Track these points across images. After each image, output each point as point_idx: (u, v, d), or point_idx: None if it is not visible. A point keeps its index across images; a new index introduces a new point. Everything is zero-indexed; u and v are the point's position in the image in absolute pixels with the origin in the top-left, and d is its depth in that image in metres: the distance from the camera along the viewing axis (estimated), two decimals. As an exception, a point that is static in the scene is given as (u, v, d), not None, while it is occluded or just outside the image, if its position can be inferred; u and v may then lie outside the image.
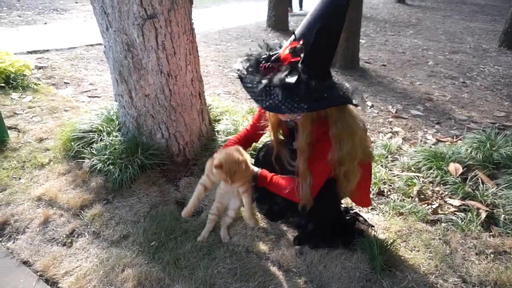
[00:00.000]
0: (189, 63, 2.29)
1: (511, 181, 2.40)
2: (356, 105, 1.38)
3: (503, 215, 2.15)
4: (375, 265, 1.69)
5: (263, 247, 1.82)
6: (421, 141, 3.30)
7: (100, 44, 6.28)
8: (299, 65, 1.29)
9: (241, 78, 1.43)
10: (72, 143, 2.44)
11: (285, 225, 2.00)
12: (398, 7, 13.65)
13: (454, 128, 3.78)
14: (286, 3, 8.08)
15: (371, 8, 13.01)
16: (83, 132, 2.44)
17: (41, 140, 2.77)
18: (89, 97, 3.93)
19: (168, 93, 2.25)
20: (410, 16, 11.97)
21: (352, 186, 1.60)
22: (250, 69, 1.40)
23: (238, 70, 1.43)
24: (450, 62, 6.68)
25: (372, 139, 3.31)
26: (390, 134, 3.48)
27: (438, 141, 3.34)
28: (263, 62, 1.37)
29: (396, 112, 4.14)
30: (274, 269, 1.70)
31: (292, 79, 1.27)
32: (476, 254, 1.85)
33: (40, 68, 4.74)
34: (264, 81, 1.32)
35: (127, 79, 2.20)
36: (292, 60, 1.31)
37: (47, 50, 5.71)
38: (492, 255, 1.83)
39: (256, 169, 1.73)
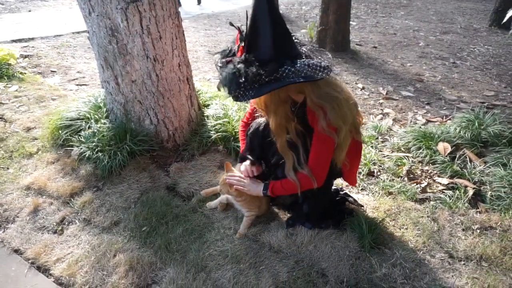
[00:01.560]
0: (175, 48, 2.26)
1: (498, 159, 2.42)
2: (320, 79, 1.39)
3: (489, 192, 2.18)
4: (364, 244, 1.72)
5: (254, 229, 1.84)
6: (411, 122, 3.32)
7: (87, 31, 6.18)
8: (245, 55, 1.36)
9: (218, 71, 1.49)
10: (60, 131, 2.41)
11: (276, 208, 2.01)
12: (389, -12, 13.50)
13: (444, 108, 3.80)
14: (276, -15, 7.91)
15: (362, -10, 12.86)
16: (70, 120, 2.41)
17: (28, 129, 2.74)
18: (77, 85, 3.87)
19: (155, 79, 2.22)
20: (401, -4, 11.87)
21: (344, 153, 1.61)
22: (223, 62, 1.45)
23: (216, 64, 1.49)
24: (441, 43, 6.66)
25: (363, 120, 3.31)
26: (380, 116, 3.49)
27: (428, 121, 3.36)
28: (230, 55, 1.45)
29: (387, 93, 4.14)
30: (265, 250, 1.73)
31: (226, 71, 1.37)
32: (463, 230, 1.89)
33: (25, 57, 4.64)
34: (225, 75, 1.39)
35: (112, 65, 2.16)
36: (240, 53, 1.39)
37: (32, 38, 5.58)
38: (478, 231, 1.87)
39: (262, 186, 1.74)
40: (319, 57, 1.47)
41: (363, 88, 4.28)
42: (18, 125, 2.80)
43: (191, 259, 1.65)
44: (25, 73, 3.95)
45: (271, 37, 1.36)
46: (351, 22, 7.81)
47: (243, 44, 1.39)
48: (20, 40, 5.40)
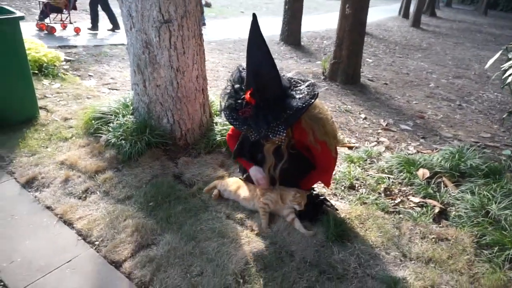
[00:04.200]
0: (195, 62, 2.72)
1: (470, 188, 2.71)
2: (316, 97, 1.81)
3: (453, 212, 2.47)
4: (329, 235, 2.04)
5: (240, 215, 2.20)
6: (401, 150, 3.63)
7: (123, 44, 6.85)
8: (260, 103, 1.75)
9: (234, 125, 1.87)
10: (93, 121, 2.88)
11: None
12: (412, 31, 13.98)
13: (438, 143, 4.08)
14: (300, 20, 8.52)
15: (385, 30, 13.39)
16: (102, 114, 2.89)
17: (66, 119, 3.23)
18: (109, 89, 4.41)
19: (176, 86, 2.67)
20: (422, 40, 12.30)
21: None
22: (234, 117, 1.84)
23: (228, 119, 1.87)
24: (451, 86, 6.96)
25: (357, 144, 3.66)
26: (375, 143, 3.81)
27: (418, 152, 3.66)
28: (239, 108, 1.81)
29: (386, 125, 4.47)
30: (246, 231, 2.07)
31: (255, 120, 1.76)
32: (421, 238, 2.18)
33: (68, 61, 5.27)
34: (249, 123, 1.78)
35: (143, 71, 2.64)
36: (254, 102, 1.76)
37: (75, 46, 6.27)
38: (434, 240, 2.16)
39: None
40: (300, 77, 1.89)
41: (365, 118, 4.63)
42: (57, 115, 3.30)
43: (185, 230, 2.02)
44: (67, 74, 4.54)
45: (275, 76, 1.78)
46: (367, 59, 8.28)
47: (251, 93, 1.75)
48: (64, 47, 6.08)
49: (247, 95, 1.77)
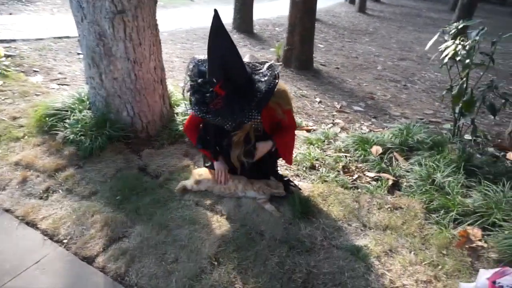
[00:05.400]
0: (152, 53, 2.69)
1: (418, 160, 2.96)
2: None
3: (405, 183, 2.70)
4: (295, 212, 2.16)
5: (209, 201, 2.25)
6: (355, 130, 3.85)
7: (68, 37, 6.48)
8: (231, 89, 1.77)
9: (207, 118, 1.88)
10: (46, 119, 2.75)
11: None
12: (358, 16, 14.53)
13: (387, 121, 4.39)
14: (251, 7, 8.55)
15: (333, 16, 13.78)
16: (56, 110, 2.76)
17: (14, 118, 3.04)
18: (59, 84, 4.19)
19: (134, 78, 2.63)
20: (368, 25, 12.85)
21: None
22: (205, 110, 1.85)
23: (199, 114, 1.88)
24: (396, 68, 7.41)
25: (314, 127, 3.83)
26: (331, 125, 4.01)
27: (371, 131, 3.92)
28: (208, 101, 1.82)
29: (340, 107, 4.71)
30: (217, 216, 2.14)
31: (228, 110, 1.79)
32: (378, 208, 2.37)
33: (8, 56, 4.90)
34: (223, 114, 1.81)
35: (98, 63, 2.56)
36: (223, 93, 1.77)
37: (14, 40, 5.81)
38: (389, 209, 2.36)
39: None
40: (257, 60, 1.96)
41: (320, 101, 4.83)
42: (4, 114, 3.10)
43: (156, 220, 2.04)
44: (9, 71, 4.23)
45: (242, 65, 1.82)
46: (319, 45, 8.51)
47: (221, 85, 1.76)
48: (2, 41, 5.63)
49: (217, 87, 1.78)
